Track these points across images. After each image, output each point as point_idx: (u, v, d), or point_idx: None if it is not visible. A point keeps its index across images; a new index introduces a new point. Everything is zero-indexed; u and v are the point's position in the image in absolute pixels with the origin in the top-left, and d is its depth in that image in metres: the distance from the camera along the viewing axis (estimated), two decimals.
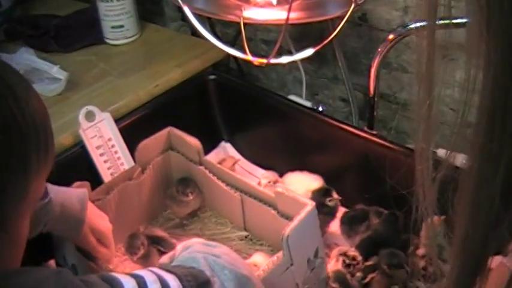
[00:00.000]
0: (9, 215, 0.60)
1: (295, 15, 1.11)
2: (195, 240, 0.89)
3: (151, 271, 0.67)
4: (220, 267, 0.72)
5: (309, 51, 1.10)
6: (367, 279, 1.06)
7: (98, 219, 1.02)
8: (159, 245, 1.08)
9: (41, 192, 0.68)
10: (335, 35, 1.10)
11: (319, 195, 1.13)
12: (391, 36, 1.20)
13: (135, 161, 1.18)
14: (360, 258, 1.08)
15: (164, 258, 0.92)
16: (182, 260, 0.75)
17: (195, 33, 1.81)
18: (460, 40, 1.30)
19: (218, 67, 1.55)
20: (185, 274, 0.67)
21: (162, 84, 1.39)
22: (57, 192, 0.94)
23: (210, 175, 1.15)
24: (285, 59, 1.12)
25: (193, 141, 1.15)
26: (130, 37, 1.58)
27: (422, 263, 1.05)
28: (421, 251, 1.07)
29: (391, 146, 1.15)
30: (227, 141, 1.45)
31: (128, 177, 1.14)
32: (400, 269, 1.05)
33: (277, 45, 0.95)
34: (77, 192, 0.98)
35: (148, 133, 1.19)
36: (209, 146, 1.33)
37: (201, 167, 1.16)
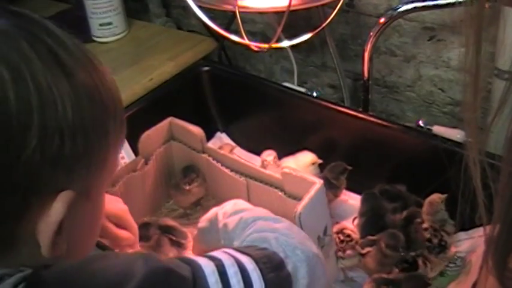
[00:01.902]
0: (92, 182, 0.61)
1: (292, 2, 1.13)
2: (238, 202, 0.90)
3: (227, 253, 0.67)
4: (292, 248, 0.72)
5: (305, 36, 1.13)
6: (364, 251, 1.09)
7: (111, 204, 1.02)
8: (171, 234, 1.09)
9: (116, 167, 0.68)
10: (331, 19, 1.13)
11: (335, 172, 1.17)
12: (382, 20, 1.23)
13: (135, 154, 1.19)
14: (355, 236, 1.11)
15: (203, 222, 0.95)
16: (252, 240, 0.75)
17: (181, 28, 1.83)
18: (448, 21, 1.32)
19: (207, 60, 1.57)
20: (260, 256, 0.67)
21: (156, 77, 1.40)
22: None
23: (214, 162, 1.16)
24: (285, 43, 1.14)
25: (196, 130, 1.17)
26: (118, 34, 1.58)
27: (426, 235, 1.08)
28: (425, 225, 1.10)
29: (390, 125, 1.18)
30: (223, 131, 1.46)
31: (132, 168, 1.15)
32: (395, 251, 1.07)
33: (279, 30, 0.98)
34: None
35: (145, 126, 1.20)
36: (205, 137, 1.34)
37: (204, 155, 1.18)
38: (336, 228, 1.12)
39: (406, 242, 1.07)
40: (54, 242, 0.57)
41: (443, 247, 1.06)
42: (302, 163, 1.22)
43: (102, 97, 0.60)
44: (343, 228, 1.12)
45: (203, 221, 0.86)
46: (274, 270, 0.66)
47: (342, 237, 1.10)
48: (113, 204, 1.02)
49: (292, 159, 1.26)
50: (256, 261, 0.66)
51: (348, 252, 1.10)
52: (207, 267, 0.62)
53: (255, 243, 0.73)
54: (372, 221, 1.14)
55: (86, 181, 0.60)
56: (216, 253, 0.67)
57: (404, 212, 1.13)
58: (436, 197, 1.10)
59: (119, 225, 1.02)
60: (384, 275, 1.04)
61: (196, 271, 0.61)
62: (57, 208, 0.56)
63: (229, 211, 0.91)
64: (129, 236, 1.01)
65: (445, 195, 1.09)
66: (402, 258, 1.06)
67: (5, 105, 0.52)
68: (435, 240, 1.06)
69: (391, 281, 1.02)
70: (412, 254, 1.06)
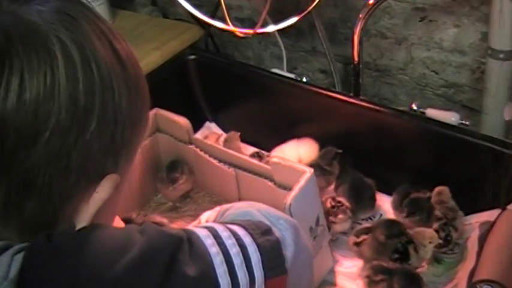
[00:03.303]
0: (125, 169, 0.63)
1: None
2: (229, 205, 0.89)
3: (216, 223, 0.67)
4: (275, 218, 0.71)
5: (292, 20, 1.09)
6: (360, 239, 1.07)
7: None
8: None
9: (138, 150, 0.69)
10: (318, 2, 1.09)
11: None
12: (371, 1, 1.20)
13: None
14: (346, 203, 1.10)
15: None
16: (234, 215, 0.73)
17: (167, 16, 1.79)
18: (440, 1, 1.30)
19: (194, 49, 1.53)
20: (248, 224, 0.66)
21: (142, 68, 1.34)
22: None
23: (202, 153, 1.13)
24: (271, 28, 1.11)
25: (182, 120, 1.13)
26: None
27: (435, 224, 1.06)
28: (438, 213, 1.08)
29: (382, 109, 1.15)
30: (212, 121, 1.43)
31: None
32: (392, 239, 1.05)
33: (264, 14, 0.94)
34: None
35: None
36: (194, 127, 1.31)
37: (192, 146, 1.15)
38: (326, 196, 1.12)
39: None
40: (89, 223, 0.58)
41: (448, 242, 1.04)
42: (297, 155, 1.20)
43: (143, 87, 0.64)
44: (335, 196, 1.12)
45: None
46: (263, 235, 0.65)
47: (333, 203, 1.10)
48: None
49: (286, 148, 1.24)
50: (245, 228, 0.65)
51: (340, 216, 1.09)
52: (201, 232, 0.61)
53: (237, 217, 0.72)
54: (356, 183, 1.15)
55: (125, 166, 0.62)
56: (206, 223, 0.66)
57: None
58: (443, 188, 1.08)
59: None
60: (383, 263, 1.02)
61: (191, 235, 0.60)
62: (105, 189, 0.58)
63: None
64: None
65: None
66: (390, 250, 1.04)
67: (76, 88, 0.53)
68: (442, 234, 1.04)
69: (388, 271, 1.00)
70: (402, 241, 1.04)
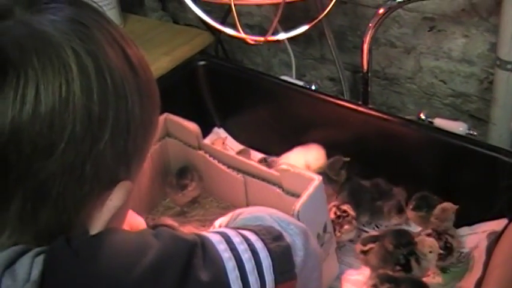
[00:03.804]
0: (136, 175, 0.63)
1: None
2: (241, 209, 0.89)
3: (228, 228, 0.67)
4: (286, 223, 0.71)
5: (303, 28, 1.10)
6: (366, 248, 1.08)
7: (131, 218, 1.03)
8: None
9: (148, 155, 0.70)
10: (329, 11, 1.10)
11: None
12: (381, 10, 1.20)
13: None
14: (351, 212, 1.11)
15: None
16: (246, 220, 0.74)
17: (177, 21, 1.80)
18: (448, 11, 1.30)
19: (204, 54, 1.54)
20: (259, 229, 0.66)
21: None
22: None
23: (211, 159, 1.14)
24: (282, 36, 1.12)
25: (192, 126, 1.14)
26: None
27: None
28: (428, 230, 1.08)
29: (390, 118, 1.15)
30: (220, 126, 1.44)
31: None
32: (400, 248, 1.06)
33: (275, 22, 0.95)
34: None
35: None
36: (202, 132, 1.32)
37: (201, 152, 1.15)
38: (331, 204, 1.12)
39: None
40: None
41: (449, 249, 1.04)
42: (304, 161, 1.21)
43: (154, 92, 0.64)
44: (339, 204, 1.12)
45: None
46: (274, 241, 0.65)
47: (338, 213, 1.10)
48: (133, 218, 1.02)
49: (293, 154, 1.25)
50: (257, 233, 0.65)
51: (346, 227, 1.10)
52: (214, 237, 0.62)
53: (248, 222, 0.73)
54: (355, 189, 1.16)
55: (136, 173, 0.62)
56: (218, 228, 0.67)
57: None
58: (448, 205, 1.09)
59: None
60: (389, 272, 1.02)
61: (204, 240, 0.60)
62: (118, 197, 0.58)
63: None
64: None
65: (456, 206, 1.08)
66: (394, 260, 1.05)
67: (90, 99, 0.53)
68: (440, 243, 1.04)
69: (394, 280, 1.01)
70: (404, 252, 1.04)
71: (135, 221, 1.02)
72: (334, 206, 1.11)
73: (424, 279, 1.04)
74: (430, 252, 1.03)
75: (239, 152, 1.30)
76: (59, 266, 0.52)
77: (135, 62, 0.59)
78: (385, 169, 1.18)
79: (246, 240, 0.63)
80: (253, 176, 1.09)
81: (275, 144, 1.32)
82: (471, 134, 1.21)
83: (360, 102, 1.30)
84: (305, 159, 1.21)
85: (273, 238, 0.65)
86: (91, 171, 0.54)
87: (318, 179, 0.95)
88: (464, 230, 1.11)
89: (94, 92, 0.54)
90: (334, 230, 1.07)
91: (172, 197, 1.21)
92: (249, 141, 1.37)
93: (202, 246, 0.59)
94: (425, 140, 1.15)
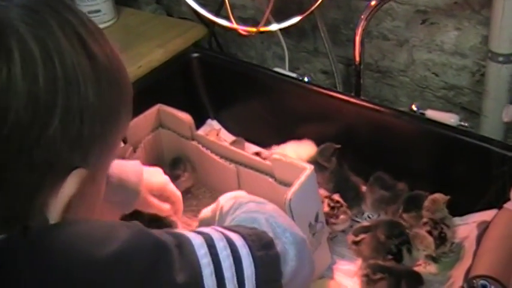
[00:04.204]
0: (101, 163, 0.62)
1: None
2: (240, 192, 0.89)
3: (215, 229, 0.66)
4: (282, 230, 0.70)
5: (295, 19, 1.11)
6: (358, 238, 1.08)
7: (152, 177, 1.06)
8: (158, 224, 1.08)
9: (118, 151, 0.70)
10: (320, 2, 1.10)
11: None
12: (373, 2, 1.21)
13: (123, 142, 1.17)
14: (343, 202, 1.11)
15: (206, 212, 0.94)
16: (241, 220, 0.73)
17: (171, 14, 1.81)
18: (441, 4, 1.31)
19: (198, 47, 1.55)
20: (249, 234, 0.66)
21: (145, 65, 1.38)
22: (114, 165, 0.97)
23: (204, 149, 1.14)
24: (274, 27, 1.12)
25: (185, 116, 1.15)
26: (107, 21, 1.56)
27: (426, 228, 1.07)
28: (424, 219, 1.09)
29: (382, 109, 1.16)
30: (214, 118, 1.44)
31: (121, 156, 1.12)
32: (393, 239, 1.07)
33: (267, 13, 0.95)
34: (132, 165, 1.02)
35: (134, 114, 1.16)
36: (196, 124, 1.33)
37: (194, 142, 1.16)
38: (323, 195, 1.12)
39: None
40: (62, 218, 0.57)
41: (443, 239, 1.05)
42: (298, 155, 1.21)
43: (119, 80, 0.62)
44: (330, 195, 1.12)
45: (207, 211, 0.86)
46: (263, 249, 0.64)
47: (331, 204, 1.11)
48: (154, 177, 1.06)
49: (287, 147, 1.25)
50: (245, 238, 0.64)
51: (342, 217, 1.11)
52: (196, 239, 0.61)
53: (243, 223, 0.72)
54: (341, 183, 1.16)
55: (97, 162, 0.61)
56: (204, 229, 0.66)
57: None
58: (439, 196, 1.09)
59: (162, 196, 1.06)
60: (380, 262, 1.03)
61: (183, 242, 0.60)
62: (70, 184, 0.57)
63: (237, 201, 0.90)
64: (170, 207, 1.08)
65: (448, 197, 1.08)
66: (386, 250, 1.06)
67: (34, 85, 0.52)
68: (435, 233, 1.05)
69: (387, 269, 1.01)
70: (396, 242, 1.05)
71: (156, 182, 1.06)
72: (326, 197, 1.12)
73: (416, 269, 1.04)
74: (424, 250, 1.04)
75: (233, 142, 1.31)
76: (12, 256, 0.52)
77: (95, 50, 0.58)
78: (377, 160, 1.18)
79: (231, 245, 0.62)
80: (246, 166, 1.09)
81: (268, 136, 1.32)
82: (463, 126, 1.22)
83: (352, 94, 1.31)
84: (297, 154, 1.22)
85: (262, 245, 0.65)
86: (40, 157, 0.53)
87: (309, 168, 0.96)
88: (455, 221, 1.11)
89: (39, 78, 0.52)
90: (327, 222, 1.07)
91: None
92: (243, 133, 1.38)
93: (180, 247, 0.58)
94: (417, 131, 1.15)
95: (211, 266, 0.59)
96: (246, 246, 0.63)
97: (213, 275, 0.58)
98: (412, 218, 1.10)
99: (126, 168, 1.01)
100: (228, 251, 0.61)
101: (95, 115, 0.57)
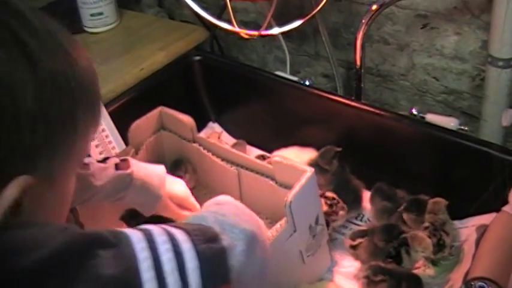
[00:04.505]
0: (56, 169, 0.60)
1: None
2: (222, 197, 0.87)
3: (159, 226, 0.65)
4: (230, 226, 0.70)
5: (296, 23, 1.11)
6: (356, 242, 1.09)
7: (174, 186, 1.07)
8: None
9: (85, 155, 0.68)
10: (322, 6, 1.11)
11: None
12: (374, 7, 1.22)
13: (125, 144, 1.18)
14: (338, 198, 1.12)
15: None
16: (190, 219, 0.73)
17: (173, 17, 1.82)
18: (441, 9, 1.31)
19: (199, 50, 1.55)
20: (193, 229, 0.65)
21: (147, 67, 1.38)
22: (139, 167, 1.00)
23: (205, 152, 1.15)
24: (275, 30, 1.13)
25: (186, 119, 1.15)
26: (110, 24, 1.57)
27: (426, 233, 1.07)
28: (425, 224, 1.09)
29: (382, 113, 1.17)
30: (215, 121, 1.45)
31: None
32: (389, 243, 1.07)
33: (269, 17, 0.96)
34: (156, 169, 1.04)
35: (136, 116, 1.19)
36: (197, 127, 1.34)
37: (195, 145, 1.17)
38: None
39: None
40: (7, 222, 0.56)
41: (441, 246, 1.06)
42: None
43: (71, 84, 0.59)
44: (323, 193, 1.13)
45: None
46: (206, 242, 0.64)
47: (328, 202, 1.11)
48: (176, 186, 1.07)
49: (288, 152, 1.26)
50: (189, 233, 0.63)
51: (341, 212, 1.12)
52: (134, 235, 0.60)
53: (190, 220, 0.72)
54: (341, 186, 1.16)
55: (49, 168, 0.59)
56: (146, 226, 0.65)
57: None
58: (440, 199, 1.09)
59: (182, 206, 1.07)
60: (382, 264, 1.04)
61: (120, 238, 0.59)
62: (10, 192, 0.55)
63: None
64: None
65: (447, 202, 1.09)
66: (385, 253, 1.06)
67: None
68: (434, 240, 1.06)
69: (387, 271, 1.02)
70: (395, 245, 1.06)
71: (177, 190, 1.07)
72: (320, 196, 1.12)
73: (415, 272, 1.05)
74: (422, 252, 1.04)
75: (234, 145, 1.32)
76: None
77: (34, 49, 0.56)
78: (377, 163, 1.19)
79: (172, 239, 0.61)
80: (247, 168, 1.10)
81: (269, 139, 1.33)
82: (462, 130, 1.23)
83: (353, 98, 1.31)
84: (300, 159, 1.22)
85: (206, 239, 0.64)
86: None
87: (310, 170, 0.97)
88: (455, 224, 1.12)
89: None
90: (327, 222, 1.08)
91: None
92: (244, 135, 1.39)
93: (115, 243, 0.58)
94: (417, 134, 1.16)
95: (149, 260, 0.58)
96: (189, 241, 0.62)
97: (152, 270, 0.58)
98: (412, 220, 1.10)
99: (150, 171, 1.02)
100: (169, 245, 0.61)
101: (36, 122, 0.55)
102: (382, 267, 1.03)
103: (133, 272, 0.57)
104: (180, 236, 0.62)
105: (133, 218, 1.09)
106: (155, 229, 0.62)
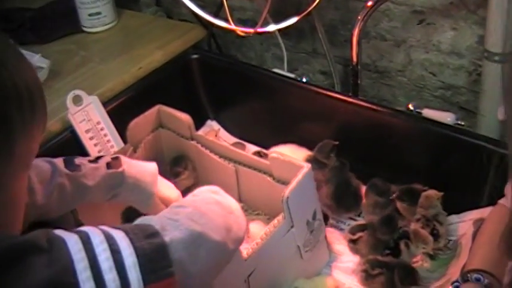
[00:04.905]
0: None
1: None
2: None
3: (97, 227, 0.66)
4: (173, 225, 0.70)
5: (292, 20, 1.12)
6: (355, 237, 1.10)
7: (166, 188, 1.07)
8: None
9: (33, 155, 0.69)
10: (318, 3, 1.12)
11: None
12: (369, 3, 1.22)
13: (124, 142, 1.19)
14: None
15: None
16: (137, 221, 0.73)
17: (171, 16, 1.82)
18: (437, 4, 1.31)
19: (197, 49, 1.56)
20: (132, 228, 0.66)
21: (145, 66, 1.39)
22: (131, 166, 1.01)
23: (203, 149, 1.16)
24: (271, 27, 1.14)
25: (184, 117, 1.16)
26: (108, 24, 1.58)
27: (419, 225, 1.08)
28: (417, 216, 1.10)
29: (379, 108, 1.17)
30: (213, 119, 1.46)
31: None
32: (390, 234, 1.08)
33: (265, 13, 0.97)
34: (148, 166, 1.05)
35: (135, 114, 1.20)
36: (196, 125, 1.34)
37: (193, 142, 1.18)
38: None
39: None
40: None
41: (436, 236, 1.07)
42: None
43: (3, 87, 0.60)
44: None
45: None
46: (146, 238, 0.65)
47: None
48: (168, 189, 1.07)
49: (284, 150, 1.26)
50: (127, 232, 0.65)
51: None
52: (70, 238, 0.61)
53: (137, 222, 0.73)
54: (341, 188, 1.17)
55: None
56: (83, 228, 0.66)
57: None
58: (433, 193, 1.10)
59: None
60: (379, 257, 1.04)
61: (54, 242, 0.60)
62: None
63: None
64: None
65: (441, 194, 1.09)
66: (386, 245, 1.07)
67: None
68: (427, 230, 1.07)
69: (385, 264, 1.03)
70: (394, 237, 1.07)
71: (169, 193, 1.07)
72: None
73: (413, 265, 1.06)
74: (423, 247, 1.05)
75: (234, 144, 1.32)
76: None
77: None
78: (374, 158, 1.20)
79: (109, 239, 0.63)
80: (244, 165, 1.11)
81: (267, 135, 1.34)
82: (459, 124, 1.23)
83: (350, 94, 1.32)
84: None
85: (144, 236, 0.65)
86: None
87: (306, 166, 0.98)
88: (452, 218, 1.13)
89: None
90: None
91: None
92: (242, 133, 1.39)
93: (50, 248, 0.59)
94: (414, 129, 1.17)
95: (86, 261, 0.59)
96: (127, 238, 0.63)
97: (88, 269, 0.59)
98: (405, 209, 1.11)
99: (142, 169, 1.03)
100: (106, 245, 0.62)
101: None
102: (379, 261, 1.04)
103: (69, 273, 0.58)
104: (117, 234, 0.64)
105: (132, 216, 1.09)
106: (93, 231, 0.64)
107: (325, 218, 1.13)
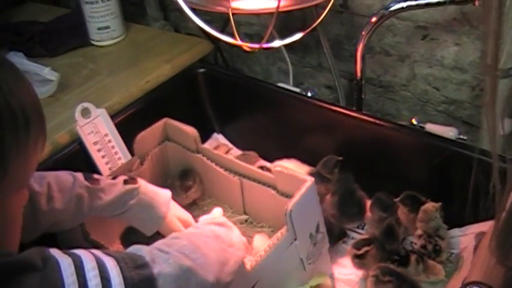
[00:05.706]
0: None
1: (282, 3, 1.14)
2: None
3: (88, 251, 0.68)
4: (163, 258, 0.72)
5: (297, 35, 1.14)
6: (362, 251, 1.10)
7: (179, 209, 1.10)
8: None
9: (30, 173, 0.70)
10: (322, 19, 1.14)
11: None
12: (373, 19, 1.24)
13: (131, 155, 1.21)
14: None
15: None
16: (129, 250, 0.75)
17: (178, 30, 1.84)
18: (441, 20, 1.33)
19: (204, 62, 1.58)
20: (123, 257, 0.68)
21: (153, 80, 1.41)
22: (147, 185, 1.05)
23: (208, 162, 1.18)
24: (277, 43, 1.16)
25: (190, 130, 1.18)
26: (116, 37, 1.60)
27: (421, 241, 1.09)
28: (419, 231, 1.11)
29: (383, 123, 1.19)
30: (219, 132, 1.48)
31: (128, 169, 1.16)
32: (395, 243, 1.09)
33: (270, 29, 0.98)
34: (163, 190, 1.08)
35: (142, 127, 1.22)
36: (202, 138, 1.36)
37: (199, 155, 1.19)
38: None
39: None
40: None
41: (438, 251, 1.08)
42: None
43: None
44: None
45: None
46: (135, 269, 0.67)
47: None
48: (181, 211, 1.11)
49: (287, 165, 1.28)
50: (118, 260, 0.66)
51: None
52: (64, 261, 0.63)
53: (128, 250, 0.74)
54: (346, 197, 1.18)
55: None
56: (77, 250, 0.67)
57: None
58: (430, 205, 1.11)
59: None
60: (391, 266, 1.05)
61: (49, 264, 0.62)
62: None
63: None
64: None
65: (439, 204, 1.10)
66: (395, 251, 1.08)
67: None
68: (429, 246, 1.08)
69: (395, 273, 1.03)
70: (409, 248, 1.08)
71: (182, 216, 1.10)
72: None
73: (415, 277, 1.07)
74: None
75: (245, 155, 1.34)
76: None
77: None
78: (377, 172, 1.21)
79: (101, 266, 0.64)
80: (249, 178, 1.13)
81: (273, 149, 1.35)
82: (461, 139, 1.24)
83: (354, 108, 1.34)
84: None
85: (135, 266, 0.67)
86: None
87: (310, 180, 0.99)
88: (454, 232, 1.14)
89: None
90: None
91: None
92: (248, 146, 1.41)
93: (44, 268, 0.61)
94: (417, 144, 1.18)
95: (76, 285, 0.61)
96: (117, 267, 0.65)
97: None
98: (405, 215, 1.12)
99: (159, 192, 1.07)
100: (97, 271, 0.64)
101: None
102: (390, 269, 1.05)
103: None
104: (109, 262, 0.65)
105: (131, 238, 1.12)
106: (85, 255, 0.65)
107: (343, 233, 1.15)
